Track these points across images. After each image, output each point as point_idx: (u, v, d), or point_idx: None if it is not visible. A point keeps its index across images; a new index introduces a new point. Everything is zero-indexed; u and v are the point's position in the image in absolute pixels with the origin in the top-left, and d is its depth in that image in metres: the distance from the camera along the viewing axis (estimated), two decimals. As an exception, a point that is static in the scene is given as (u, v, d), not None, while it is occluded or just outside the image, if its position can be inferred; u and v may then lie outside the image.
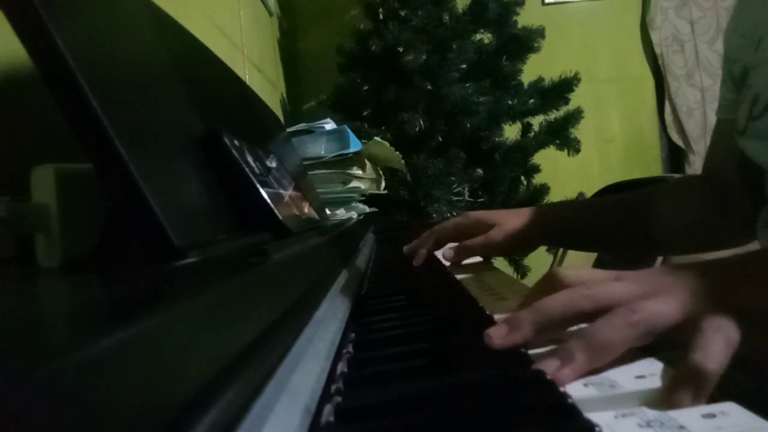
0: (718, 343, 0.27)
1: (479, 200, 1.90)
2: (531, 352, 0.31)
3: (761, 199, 0.57)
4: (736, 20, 0.61)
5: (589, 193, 1.74)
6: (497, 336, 0.31)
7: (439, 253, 0.71)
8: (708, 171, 0.71)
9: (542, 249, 1.50)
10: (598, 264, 2.64)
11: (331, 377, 0.27)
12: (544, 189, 1.97)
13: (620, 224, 0.70)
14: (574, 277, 0.34)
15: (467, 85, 1.83)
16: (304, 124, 1.36)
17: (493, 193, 1.90)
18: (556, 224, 0.70)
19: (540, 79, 1.97)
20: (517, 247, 0.69)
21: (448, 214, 1.75)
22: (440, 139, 1.82)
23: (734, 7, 0.62)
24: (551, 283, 0.35)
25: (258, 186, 0.42)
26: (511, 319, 0.31)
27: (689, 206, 0.69)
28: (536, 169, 1.99)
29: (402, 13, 1.84)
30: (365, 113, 1.85)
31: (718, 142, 0.69)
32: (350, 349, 0.33)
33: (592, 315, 0.30)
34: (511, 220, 0.67)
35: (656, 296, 0.31)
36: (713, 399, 0.25)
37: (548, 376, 0.26)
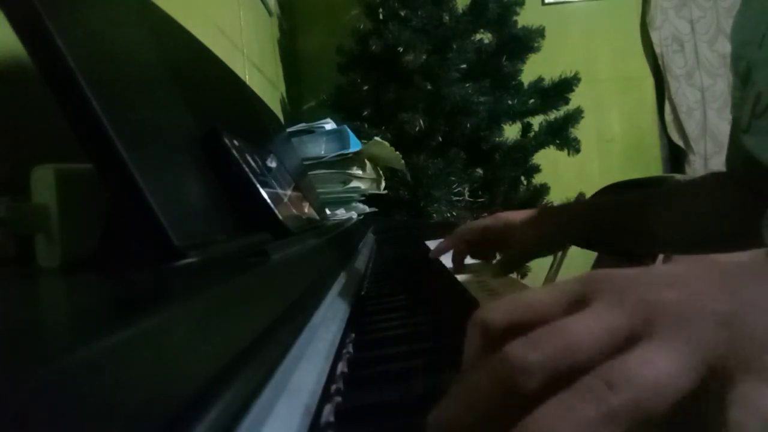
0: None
1: (479, 200, 1.90)
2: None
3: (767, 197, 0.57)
4: (742, 16, 0.61)
5: (589, 194, 1.74)
6: None
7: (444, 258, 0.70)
8: (729, 168, 0.71)
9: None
10: (597, 265, 2.63)
11: (331, 377, 0.27)
12: (544, 189, 1.97)
13: (646, 222, 0.68)
14: (503, 319, 0.20)
15: (467, 85, 1.83)
16: (304, 124, 1.36)
17: (493, 193, 1.91)
18: (584, 224, 0.68)
19: (540, 79, 1.97)
20: (548, 250, 0.67)
21: (448, 214, 1.75)
22: (440, 139, 1.82)
23: (741, 2, 0.62)
24: (474, 340, 0.21)
25: (258, 186, 0.42)
26: None
27: (713, 204, 0.67)
28: (536, 169, 1.99)
29: (402, 13, 1.84)
30: (365, 113, 1.85)
31: (733, 139, 0.68)
32: (350, 349, 0.33)
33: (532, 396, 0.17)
34: (539, 221, 0.65)
35: (651, 340, 0.17)
36: None
37: None
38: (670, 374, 0.16)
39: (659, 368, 0.16)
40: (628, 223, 0.68)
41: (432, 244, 0.94)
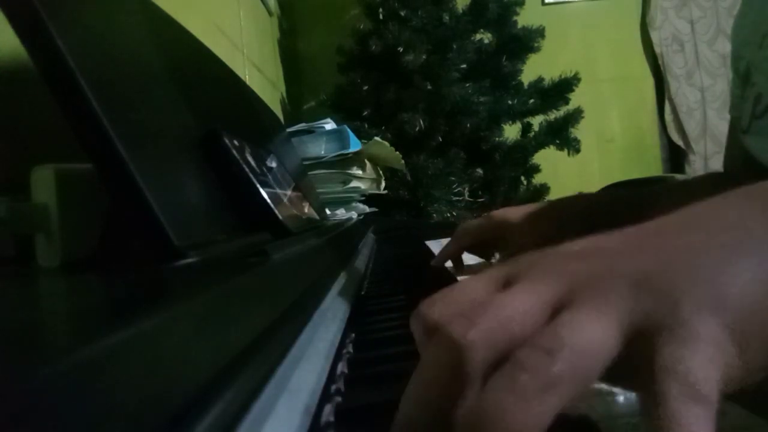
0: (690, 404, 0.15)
1: (479, 200, 1.90)
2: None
3: None
4: (743, 16, 0.61)
5: (589, 193, 1.74)
6: None
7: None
8: (727, 168, 0.70)
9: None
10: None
11: (331, 377, 0.27)
12: (544, 189, 1.97)
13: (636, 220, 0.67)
14: (441, 310, 0.20)
15: (467, 85, 1.84)
16: (304, 124, 1.36)
17: (493, 193, 1.91)
18: (581, 223, 0.67)
19: (540, 79, 1.97)
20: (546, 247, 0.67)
21: (448, 214, 1.75)
22: (440, 139, 1.82)
23: (741, 2, 0.62)
24: (417, 332, 0.21)
25: (258, 186, 0.42)
26: None
27: None
28: (536, 169, 1.99)
29: (402, 13, 1.85)
30: (365, 113, 1.85)
31: (732, 139, 0.68)
32: (350, 349, 0.33)
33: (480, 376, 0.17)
34: (536, 220, 0.65)
35: (574, 307, 0.18)
36: None
37: None
38: (597, 336, 0.17)
39: (586, 330, 0.17)
40: (625, 223, 0.68)
41: (432, 244, 0.95)
